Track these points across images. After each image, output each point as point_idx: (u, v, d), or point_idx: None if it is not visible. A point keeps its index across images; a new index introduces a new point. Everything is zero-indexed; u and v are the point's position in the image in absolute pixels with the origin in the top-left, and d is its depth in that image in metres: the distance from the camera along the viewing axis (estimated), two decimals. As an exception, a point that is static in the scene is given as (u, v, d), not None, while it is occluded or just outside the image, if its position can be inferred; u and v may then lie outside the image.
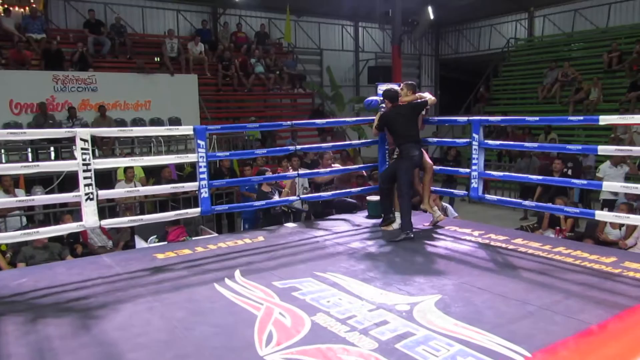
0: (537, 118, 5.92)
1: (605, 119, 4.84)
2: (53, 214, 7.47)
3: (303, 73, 17.50)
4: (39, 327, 3.30)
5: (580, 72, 15.68)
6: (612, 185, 5.73)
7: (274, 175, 6.74)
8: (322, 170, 7.10)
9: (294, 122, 6.43)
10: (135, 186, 8.03)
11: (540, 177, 6.40)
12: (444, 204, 7.45)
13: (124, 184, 8.30)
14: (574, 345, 2.89)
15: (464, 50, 22.43)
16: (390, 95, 5.79)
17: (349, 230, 5.74)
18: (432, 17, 15.35)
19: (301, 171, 6.59)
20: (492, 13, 20.40)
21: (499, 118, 6.73)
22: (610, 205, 8.33)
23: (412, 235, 5.28)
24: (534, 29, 19.74)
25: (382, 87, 6.38)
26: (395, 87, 6.01)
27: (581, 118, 5.56)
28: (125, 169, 8.43)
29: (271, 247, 5.09)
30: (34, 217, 7.79)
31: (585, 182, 6.36)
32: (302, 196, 6.50)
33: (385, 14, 14.26)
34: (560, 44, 18.08)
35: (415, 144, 5.58)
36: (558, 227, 7.37)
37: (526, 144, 7.45)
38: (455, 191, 7.02)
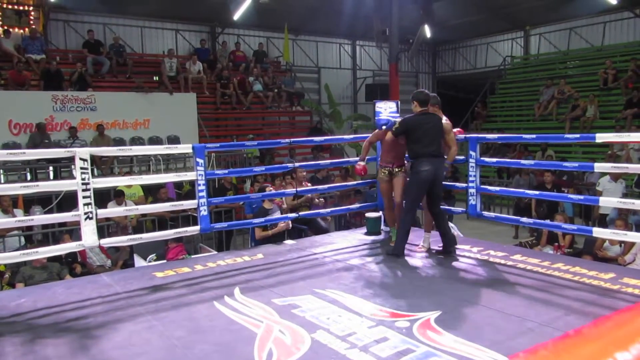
0: (534, 136, 5.91)
1: (601, 137, 4.85)
2: (52, 234, 7.46)
3: (301, 91, 17.64)
4: (38, 348, 3.28)
5: (576, 89, 15.83)
6: (609, 200, 5.73)
7: (275, 192, 6.74)
8: (320, 187, 7.12)
9: (292, 139, 6.51)
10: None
11: (537, 193, 6.43)
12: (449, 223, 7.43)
13: (114, 205, 8.15)
14: (552, 346, 2.97)
15: (460, 68, 22.62)
16: (420, 99, 5.25)
17: (348, 247, 5.74)
18: (428, 35, 15.51)
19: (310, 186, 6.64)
20: (488, 32, 20.62)
21: (495, 136, 6.78)
22: (608, 221, 8.34)
23: (399, 256, 5.20)
24: (529, 47, 19.93)
25: (379, 105, 6.43)
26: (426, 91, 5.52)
27: (578, 136, 5.59)
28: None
29: (270, 264, 5.08)
30: (32, 237, 7.78)
31: (582, 197, 6.38)
32: (301, 213, 6.51)
33: (383, 32, 14.41)
34: (556, 62, 18.24)
35: (429, 158, 5.13)
36: (557, 244, 7.39)
37: (523, 162, 7.47)
38: (453, 208, 7.02)
